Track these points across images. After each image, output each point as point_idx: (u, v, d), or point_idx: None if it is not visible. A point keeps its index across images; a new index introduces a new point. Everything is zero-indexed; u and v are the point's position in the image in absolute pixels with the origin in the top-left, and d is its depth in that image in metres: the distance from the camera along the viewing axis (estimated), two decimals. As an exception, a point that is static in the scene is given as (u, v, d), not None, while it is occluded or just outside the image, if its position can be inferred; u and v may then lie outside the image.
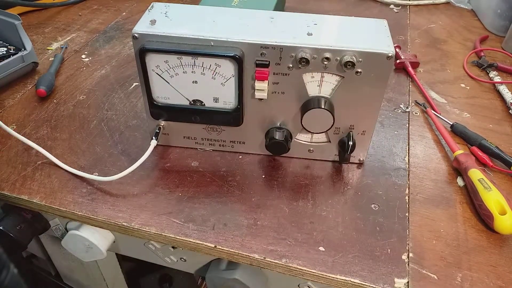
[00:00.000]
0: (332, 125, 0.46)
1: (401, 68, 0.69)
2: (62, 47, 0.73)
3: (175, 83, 0.46)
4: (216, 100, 0.47)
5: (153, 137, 0.50)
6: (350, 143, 0.47)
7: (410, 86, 0.66)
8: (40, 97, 0.61)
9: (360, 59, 0.42)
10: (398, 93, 0.64)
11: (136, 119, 0.57)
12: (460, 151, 0.51)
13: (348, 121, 0.47)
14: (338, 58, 0.42)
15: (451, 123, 0.57)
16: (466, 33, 0.81)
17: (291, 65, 0.43)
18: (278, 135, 0.48)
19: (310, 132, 0.47)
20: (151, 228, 0.43)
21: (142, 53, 0.43)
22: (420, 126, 0.58)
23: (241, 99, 0.46)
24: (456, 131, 0.56)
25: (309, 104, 0.45)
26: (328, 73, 0.43)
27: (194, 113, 0.48)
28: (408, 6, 0.90)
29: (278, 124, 0.49)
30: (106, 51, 0.73)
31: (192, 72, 0.45)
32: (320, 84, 0.44)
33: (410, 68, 0.68)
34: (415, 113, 0.60)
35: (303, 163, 0.51)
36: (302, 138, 0.50)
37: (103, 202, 0.46)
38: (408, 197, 0.47)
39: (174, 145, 0.53)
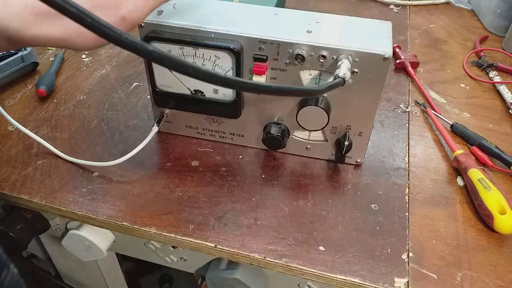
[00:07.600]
0: (327, 124, 0.46)
1: (401, 68, 0.69)
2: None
3: (177, 73, 0.47)
4: (216, 91, 0.48)
5: (155, 123, 0.51)
6: (346, 142, 0.47)
7: (410, 86, 0.66)
8: (40, 97, 0.61)
9: (356, 59, 0.42)
10: (398, 93, 0.64)
11: (136, 119, 0.57)
12: (460, 151, 0.51)
13: (345, 121, 0.47)
14: (334, 57, 0.42)
15: (451, 123, 0.57)
16: (466, 33, 0.81)
17: (288, 61, 0.44)
18: (274, 130, 0.48)
19: (305, 129, 0.47)
20: (151, 228, 0.43)
21: (146, 42, 0.44)
22: (420, 126, 0.58)
23: (239, 92, 0.47)
24: (456, 131, 0.56)
25: (305, 101, 0.45)
26: (325, 71, 0.43)
27: (194, 102, 0.49)
28: (408, 6, 0.90)
29: (276, 119, 0.49)
30: (106, 51, 0.73)
31: (193, 62, 0.45)
32: (317, 82, 0.45)
33: (410, 68, 0.68)
34: (415, 113, 0.60)
35: (303, 163, 0.51)
36: (299, 135, 0.51)
37: (103, 201, 0.46)
38: (408, 196, 0.47)
39: (176, 133, 0.54)
